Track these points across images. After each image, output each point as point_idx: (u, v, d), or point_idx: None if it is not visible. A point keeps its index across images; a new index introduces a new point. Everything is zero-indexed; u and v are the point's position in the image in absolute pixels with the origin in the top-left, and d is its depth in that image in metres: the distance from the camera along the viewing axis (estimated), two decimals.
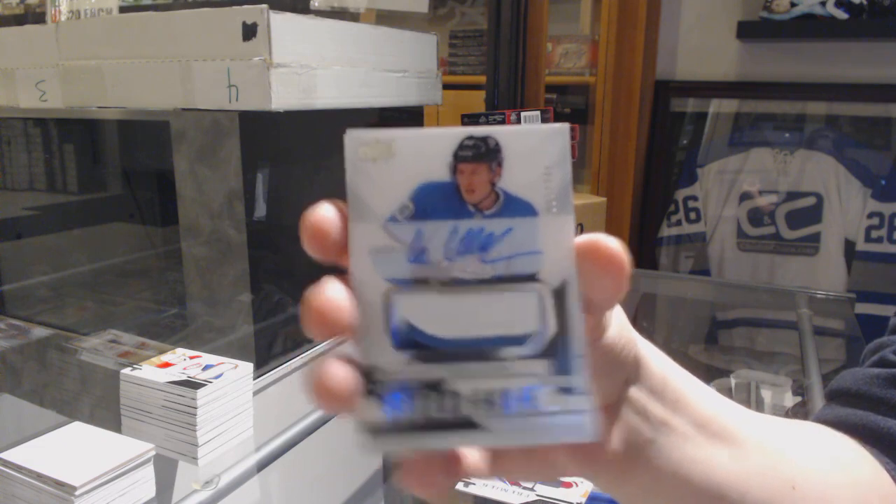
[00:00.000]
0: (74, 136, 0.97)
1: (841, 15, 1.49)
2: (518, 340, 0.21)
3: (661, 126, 1.79)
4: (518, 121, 1.16)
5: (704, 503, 0.29)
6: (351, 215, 0.21)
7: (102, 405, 0.72)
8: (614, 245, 0.21)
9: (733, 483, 0.29)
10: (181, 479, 0.69)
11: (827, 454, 0.34)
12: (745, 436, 0.31)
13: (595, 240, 0.21)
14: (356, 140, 0.22)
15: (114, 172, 0.98)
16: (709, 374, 1.51)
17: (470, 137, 0.21)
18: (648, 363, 0.28)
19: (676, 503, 0.29)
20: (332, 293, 0.20)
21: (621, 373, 0.26)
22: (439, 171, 0.21)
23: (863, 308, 1.53)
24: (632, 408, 0.27)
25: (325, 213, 0.21)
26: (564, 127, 0.21)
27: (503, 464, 0.24)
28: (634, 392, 0.27)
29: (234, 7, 0.71)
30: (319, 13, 0.82)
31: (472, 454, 0.23)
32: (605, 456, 0.26)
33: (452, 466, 0.21)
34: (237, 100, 0.72)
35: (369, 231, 0.21)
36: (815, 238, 1.62)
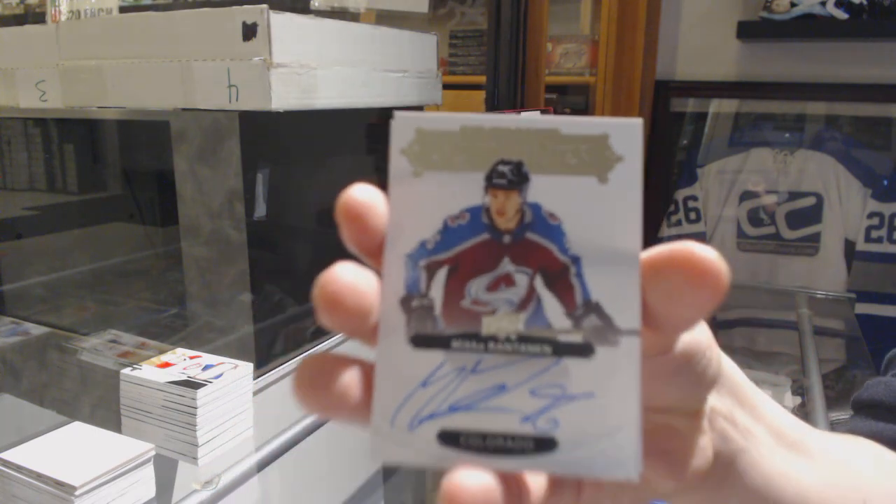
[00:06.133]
0: (74, 136, 0.97)
1: (841, 15, 1.49)
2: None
3: (661, 126, 1.79)
4: None
5: None
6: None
7: (102, 405, 0.72)
8: (710, 254, 0.17)
9: (817, 497, 0.28)
10: (181, 479, 0.69)
11: (884, 469, 0.33)
12: (814, 447, 0.29)
13: (685, 247, 0.18)
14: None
15: (114, 172, 0.98)
16: None
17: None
18: (726, 369, 0.26)
19: None
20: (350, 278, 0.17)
21: (705, 378, 0.22)
22: None
23: (863, 308, 1.53)
24: (720, 414, 0.25)
25: (366, 198, 0.18)
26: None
27: (589, 498, 0.22)
28: (719, 398, 0.25)
29: (234, 7, 0.71)
30: (319, 13, 0.82)
31: (537, 484, 0.20)
32: (702, 467, 0.24)
33: (515, 495, 0.19)
34: (237, 100, 0.72)
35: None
36: (815, 238, 1.62)
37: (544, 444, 0.18)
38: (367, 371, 0.18)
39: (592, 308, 0.18)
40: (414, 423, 0.18)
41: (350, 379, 0.18)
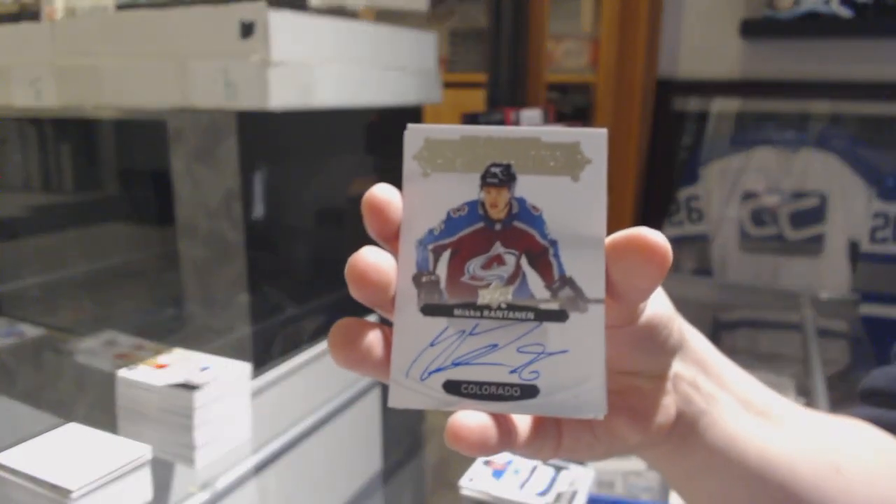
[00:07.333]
0: (70, 135, 0.97)
1: (845, 13, 1.48)
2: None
3: (663, 125, 1.78)
4: (517, 120, 1.15)
5: (755, 482, 0.30)
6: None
7: (98, 407, 0.72)
8: (658, 237, 0.21)
9: (784, 461, 0.30)
10: (178, 482, 0.68)
11: (868, 445, 0.35)
12: (787, 417, 0.32)
13: (638, 232, 0.22)
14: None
15: (110, 172, 0.97)
16: None
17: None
18: (691, 340, 0.29)
19: (729, 482, 0.31)
20: (374, 259, 0.22)
21: (667, 346, 0.26)
22: None
23: (867, 309, 1.52)
24: (684, 380, 0.29)
25: (386, 195, 0.22)
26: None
27: (569, 442, 0.26)
28: (683, 366, 0.29)
29: (232, 4, 0.70)
30: (318, 11, 0.81)
31: (524, 425, 0.24)
32: (665, 423, 0.28)
33: (506, 433, 0.23)
34: (235, 98, 0.71)
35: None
36: (819, 239, 1.61)
37: (528, 391, 0.22)
38: (387, 333, 0.22)
39: (567, 282, 0.22)
40: (424, 375, 0.22)
41: (373, 339, 0.22)
